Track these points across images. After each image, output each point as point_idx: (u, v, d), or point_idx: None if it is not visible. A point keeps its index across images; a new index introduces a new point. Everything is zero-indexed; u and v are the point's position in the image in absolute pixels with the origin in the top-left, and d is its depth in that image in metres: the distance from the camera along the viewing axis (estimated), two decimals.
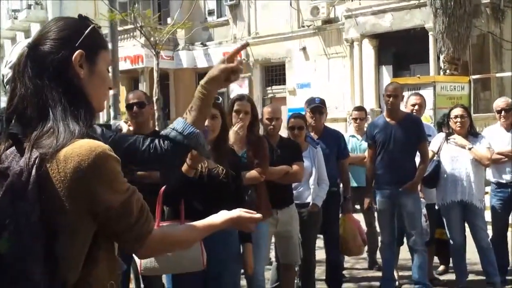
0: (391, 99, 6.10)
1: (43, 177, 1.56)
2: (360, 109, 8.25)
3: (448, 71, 15.85)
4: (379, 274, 6.52)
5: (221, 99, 4.08)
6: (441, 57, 16.28)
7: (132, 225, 1.69)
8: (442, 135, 6.43)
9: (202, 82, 2.32)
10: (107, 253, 1.71)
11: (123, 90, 25.44)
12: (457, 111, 6.29)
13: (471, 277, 6.59)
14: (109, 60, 1.88)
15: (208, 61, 24.41)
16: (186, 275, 3.74)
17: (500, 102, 6.56)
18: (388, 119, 6.18)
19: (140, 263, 3.75)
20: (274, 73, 23.85)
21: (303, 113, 6.46)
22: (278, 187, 5.17)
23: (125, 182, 1.68)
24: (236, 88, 23.25)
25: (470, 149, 6.10)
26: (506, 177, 6.38)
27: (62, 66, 1.71)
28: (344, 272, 7.11)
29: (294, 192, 5.63)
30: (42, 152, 1.57)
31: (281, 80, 23.52)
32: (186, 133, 2.25)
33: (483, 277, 6.32)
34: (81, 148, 1.59)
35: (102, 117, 24.48)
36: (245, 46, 2.53)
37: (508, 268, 6.51)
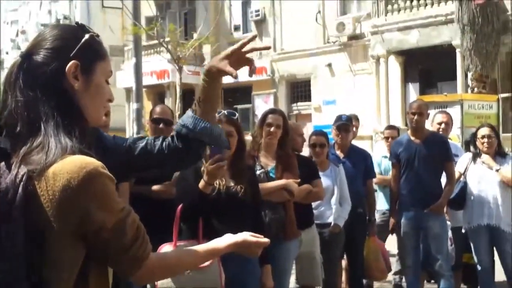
0: (415, 117, 5.95)
1: (30, 196, 1.45)
2: (392, 127, 8.02)
3: (476, 89, 15.68)
4: None
5: (237, 115, 4.00)
6: (469, 75, 16.12)
7: (127, 249, 1.57)
8: (469, 155, 6.25)
9: (204, 69, 2.14)
10: (98, 278, 1.60)
11: (148, 105, 25.56)
12: (485, 130, 6.12)
13: None
14: (109, 71, 1.75)
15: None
16: None
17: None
18: (412, 138, 6.02)
19: (156, 283, 3.66)
20: (300, 89, 23.77)
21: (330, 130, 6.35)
22: (300, 207, 5.05)
23: (119, 201, 1.57)
24: (261, 104, 23.24)
25: (497, 170, 5.91)
26: None
27: (56, 78, 1.61)
28: None
29: (315, 211, 5.50)
30: (30, 168, 1.47)
31: (307, 97, 23.43)
32: (198, 129, 2.08)
33: None
34: (71, 164, 1.48)
35: (129, 132, 24.66)
36: (253, 37, 2.24)
37: None
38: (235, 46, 2.08)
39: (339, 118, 6.36)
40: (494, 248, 6.10)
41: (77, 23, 1.75)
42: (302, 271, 5.45)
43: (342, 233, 5.73)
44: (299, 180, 4.77)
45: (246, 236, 1.95)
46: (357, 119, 7.36)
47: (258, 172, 4.72)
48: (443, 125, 6.61)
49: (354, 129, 6.99)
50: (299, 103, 23.78)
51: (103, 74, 1.72)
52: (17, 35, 42.56)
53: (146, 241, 1.63)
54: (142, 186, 4.62)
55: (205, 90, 2.11)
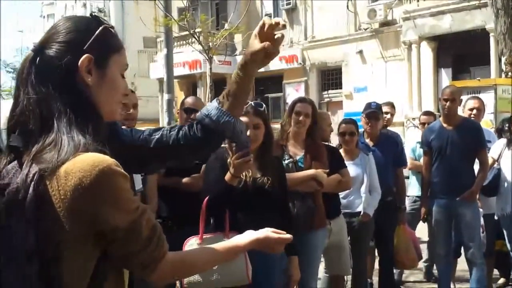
0: (448, 103, 5.83)
1: (41, 196, 1.41)
2: (429, 113, 7.86)
3: (510, 73, 15.35)
4: (436, 286, 6.27)
5: (264, 106, 3.97)
6: (503, 59, 15.79)
7: (142, 249, 1.53)
8: (503, 141, 6.12)
9: (238, 64, 2.06)
10: (114, 280, 1.56)
11: (181, 95, 25.67)
12: None
13: None
14: (124, 64, 1.70)
15: (265, 66, 24.35)
16: None
17: None
18: (444, 124, 5.91)
19: None
20: (331, 77, 23.63)
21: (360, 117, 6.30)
22: (329, 196, 5.02)
23: (134, 200, 1.52)
24: (292, 93, 23.16)
25: None
26: None
27: (68, 73, 1.55)
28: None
29: (344, 200, 5.47)
30: (42, 167, 1.43)
31: (338, 84, 23.28)
32: (222, 122, 2.01)
33: None
34: (84, 162, 1.43)
35: (162, 122, 24.80)
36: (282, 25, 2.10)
37: None
38: (259, 24, 1.98)
39: (368, 105, 6.29)
40: None
41: (91, 14, 1.69)
42: (331, 260, 5.42)
43: (371, 222, 5.69)
44: (328, 170, 4.74)
45: (268, 232, 1.89)
46: (392, 106, 7.23)
47: (286, 162, 4.70)
48: (474, 111, 6.48)
49: (389, 116, 6.91)
50: (330, 91, 23.65)
51: (118, 68, 1.66)
52: None
53: (162, 241, 1.59)
54: (171, 178, 4.65)
55: (237, 84, 2.04)
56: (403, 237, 6.04)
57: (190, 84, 27.35)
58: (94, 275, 1.50)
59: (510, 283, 6.56)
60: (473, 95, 8.73)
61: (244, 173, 3.72)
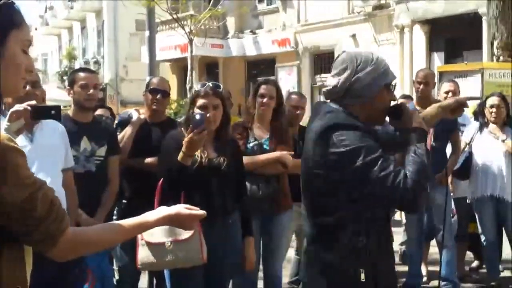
0: (421, 86, 5.81)
1: None
2: (406, 97, 7.80)
3: (501, 57, 15.31)
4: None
5: (222, 86, 3.93)
6: (495, 44, 15.75)
7: (37, 224, 1.53)
8: (476, 125, 6.10)
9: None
10: (11, 254, 1.55)
11: (173, 78, 25.61)
12: (493, 100, 5.94)
13: (506, 273, 6.29)
14: (26, 40, 1.69)
15: (257, 49, 24.26)
16: (185, 269, 3.63)
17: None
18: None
19: (137, 257, 3.65)
20: (324, 61, 23.46)
21: None
22: (295, 179, 4.97)
23: (29, 176, 1.52)
24: (285, 77, 23.07)
25: (503, 140, 5.75)
26: None
27: None
28: None
29: None
30: None
31: (331, 68, 23.05)
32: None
33: None
34: None
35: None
36: None
37: None
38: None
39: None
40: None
41: None
42: (302, 244, 5.40)
43: None
44: (293, 152, 4.71)
45: (179, 208, 1.89)
46: None
47: (251, 144, 4.68)
48: (450, 94, 6.41)
49: None
50: (323, 75, 23.46)
51: (18, 44, 1.65)
52: (45, 11, 42.92)
53: (60, 217, 1.59)
54: (135, 159, 4.64)
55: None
56: None
57: (182, 67, 27.20)
58: None
59: (484, 266, 6.54)
60: (449, 78, 8.65)
61: (200, 154, 3.69)
